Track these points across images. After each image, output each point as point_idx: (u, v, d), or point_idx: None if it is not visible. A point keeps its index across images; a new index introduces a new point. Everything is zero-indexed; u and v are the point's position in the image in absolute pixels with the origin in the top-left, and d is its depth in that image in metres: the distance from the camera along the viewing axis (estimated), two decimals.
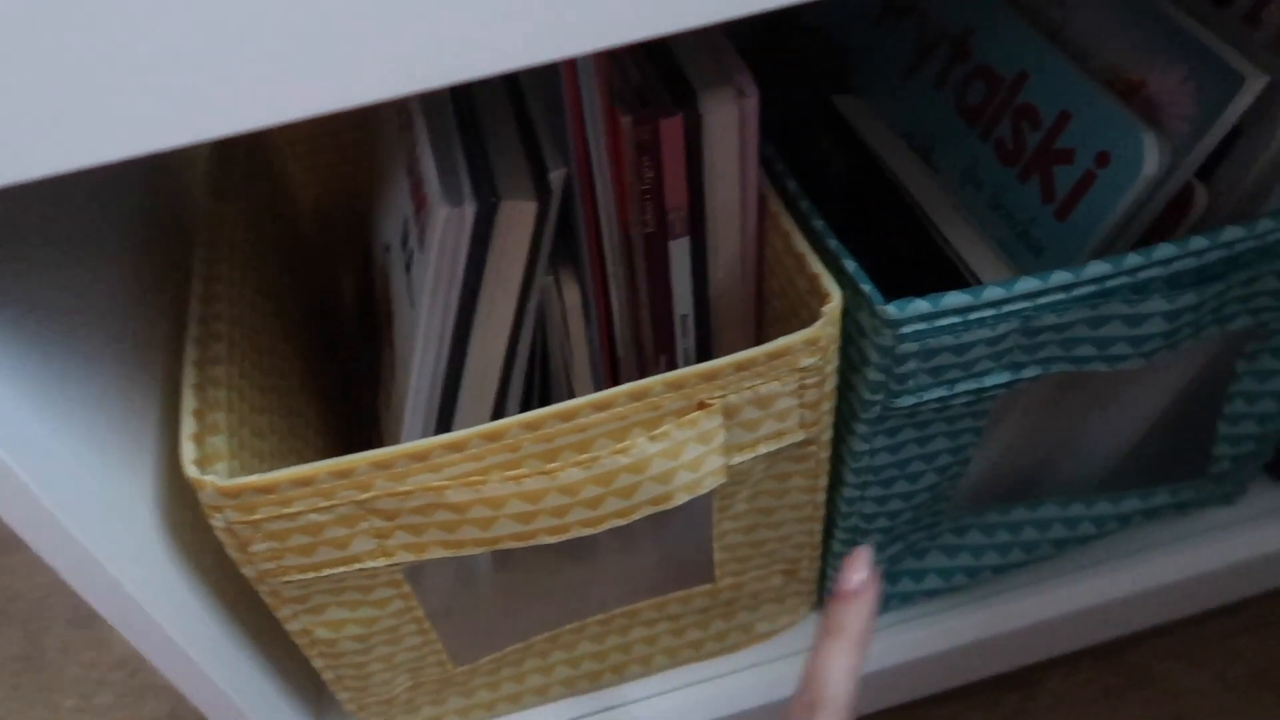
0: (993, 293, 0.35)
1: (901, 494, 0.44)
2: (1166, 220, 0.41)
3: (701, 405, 0.36)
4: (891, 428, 0.40)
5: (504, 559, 0.47)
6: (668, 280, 0.41)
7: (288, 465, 0.36)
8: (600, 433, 0.35)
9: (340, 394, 0.57)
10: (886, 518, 0.45)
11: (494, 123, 0.39)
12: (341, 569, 0.37)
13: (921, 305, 0.35)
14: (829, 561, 0.47)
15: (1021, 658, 0.53)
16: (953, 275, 0.43)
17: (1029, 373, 0.39)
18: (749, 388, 0.36)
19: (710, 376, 0.35)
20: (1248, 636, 0.55)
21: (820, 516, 0.45)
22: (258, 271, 0.47)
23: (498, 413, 0.43)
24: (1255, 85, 0.37)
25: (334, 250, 0.67)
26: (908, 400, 0.38)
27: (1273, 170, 0.39)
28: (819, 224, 0.39)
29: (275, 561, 0.36)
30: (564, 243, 0.41)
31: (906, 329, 0.36)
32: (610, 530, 0.46)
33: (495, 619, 0.46)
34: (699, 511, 0.43)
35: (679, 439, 0.35)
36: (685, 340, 0.44)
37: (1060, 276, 0.35)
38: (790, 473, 0.42)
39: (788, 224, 0.39)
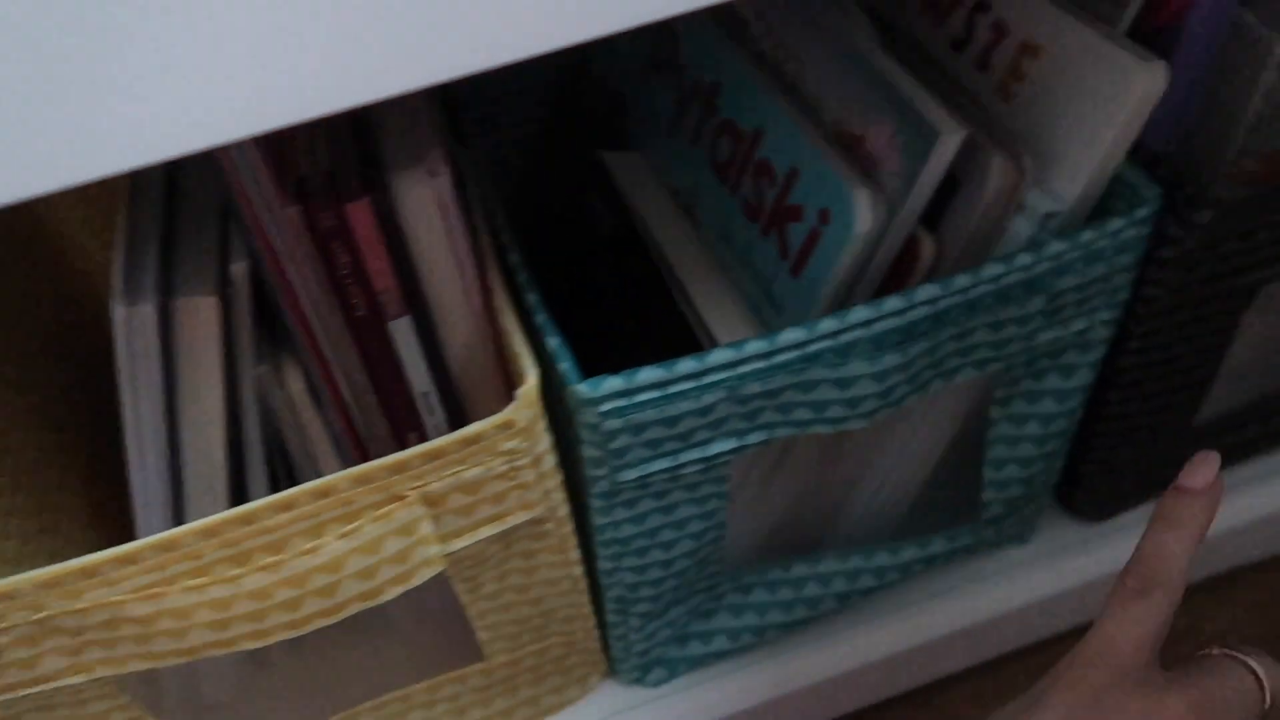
0: (687, 366, 0.35)
1: (659, 562, 0.43)
2: (898, 272, 0.41)
3: (398, 498, 0.35)
4: (628, 500, 0.40)
5: (254, 656, 0.45)
6: (396, 361, 0.40)
7: (37, 565, 0.34)
8: (293, 532, 0.34)
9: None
10: (650, 586, 0.44)
11: (195, 212, 0.38)
12: (38, 688, 0.35)
13: (616, 383, 0.34)
14: (608, 630, 0.46)
15: (823, 712, 0.52)
16: (695, 341, 0.42)
17: (754, 438, 0.38)
18: (450, 475, 0.35)
19: (399, 469, 0.34)
20: None
21: (583, 589, 0.44)
22: (12, 366, 0.45)
23: (238, 502, 0.42)
24: (951, 140, 0.36)
25: None
26: (631, 474, 0.38)
27: (994, 218, 0.39)
28: (533, 298, 0.38)
29: None
30: (283, 329, 0.40)
31: (605, 406, 0.35)
32: (358, 620, 0.45)
33: (256, 716, 0.44)
34: (444, 595, 0.42)
35: (374, 534, 0.34)
36: (433, 417, 0.43)
37: (755, 345, 0.35)
38: (535, 550, 0.41)
39: (501, 300, 0.38)
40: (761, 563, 0.48)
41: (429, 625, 0.44)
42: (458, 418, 0.44)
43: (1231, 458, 0.52)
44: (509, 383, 0.44)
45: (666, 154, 0.50)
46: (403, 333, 0.40)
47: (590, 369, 0.41)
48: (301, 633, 0.35)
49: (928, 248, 0.40)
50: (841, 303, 0.41)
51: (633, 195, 0.49)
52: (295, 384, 0.40)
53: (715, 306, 0.43)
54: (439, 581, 0.41)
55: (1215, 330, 0.43)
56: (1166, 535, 0.31)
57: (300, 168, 0.37)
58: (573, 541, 0.41)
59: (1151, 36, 0.40)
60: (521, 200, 0.62)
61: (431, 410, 0.43)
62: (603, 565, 0.42)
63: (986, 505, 0.47)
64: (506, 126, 0.62)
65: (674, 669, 0.49)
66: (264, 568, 0.33)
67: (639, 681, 0.49)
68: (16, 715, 0.36)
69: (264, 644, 0.35)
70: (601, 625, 0.47)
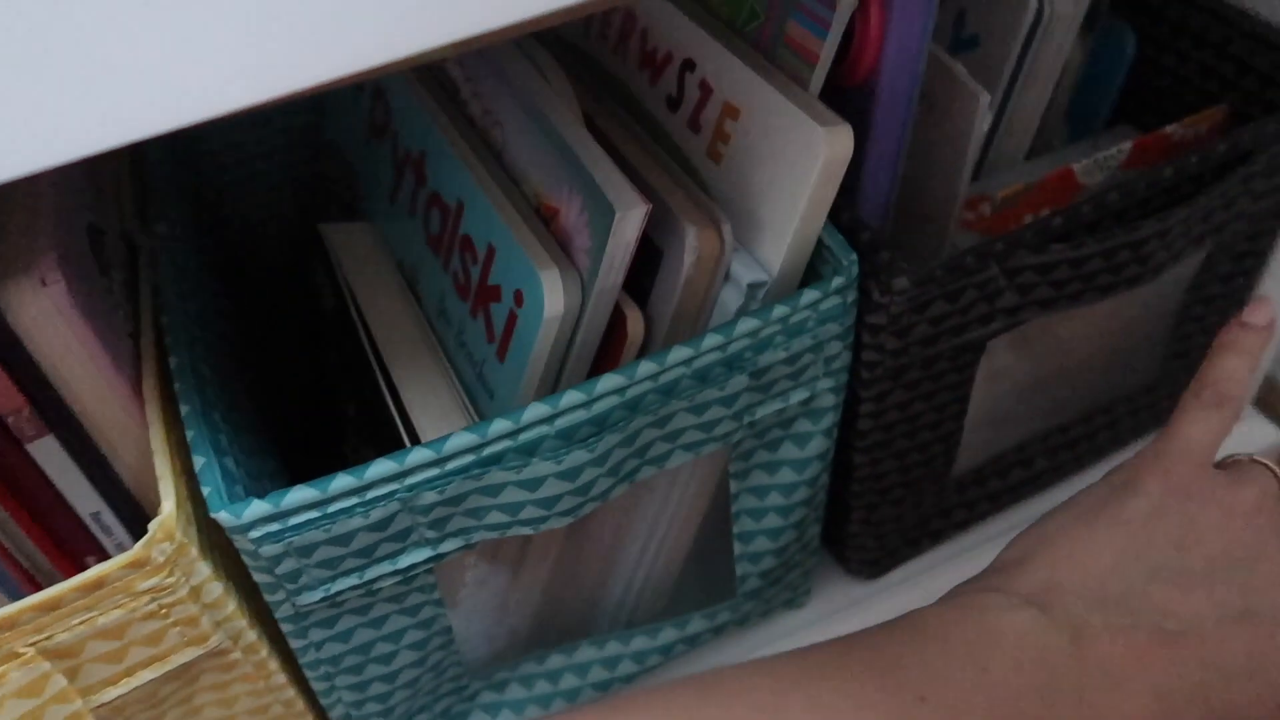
0: (342, 483, 0.31)
1: (382, 677, 0.39)
2: (609, 349, 0.38)
3: (15, 655, 0.30)
4: (325, 619, 0.36)
5: None
6: (47, 483, 0.36)
7: None
8: None
9: None
10: (378, 701, 0.40)
11: None
12: None
13: (263, 507, 0.31)
14: None
15: None
16: (396, 437, 0.39)
17: (450, 545, 0.35)
18: (80, 623, 0.31)
19: (8, 625, 0.30)
20: None
21: (302, 711, 0.40)
22: None
23: None
24: (629, 216, 0.34)
25: None
26: (313, 595, 0.34)
27: (699, 290, 0.37)
28: (186, 409, 0.34)
29: None
30: None
31: (255, 533, 0.31)
32: None
33: None
34: None
35: None
36: (112, 537, 0.39)
37: (420, 454, 0.32)
38: (227, 681, 0.37)
39: (152, 413, 0.34)
40: (516, 658, 0.45)
41: None
42: (143, 530, 0.40)
43: (997, 503, 0.51)
44: None
45: (391, 225, 0.47)
46: (49, 453, 0.35)
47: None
48: None
49: (636, 323, 0.37)
50: (553, 386, 0.38)
51: (350, 270, 0.45)
52: None
53: (422, 395, 0.40)
54: None
55: (951, 385, 0.42)
56: (1233, 359, 0.37)
57: None
58: (272, 666, 0.37)
59: (846, 95, 0.39)
60: (271, 272, 0.58)
61: (108, 530, 0.38)
62: (317, 686, 0.38)
63: (742, 579, 0.45)
64: (261, 190, 0.58)
65: None
66: None
67: None
68: None
69: None
70: None
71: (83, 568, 0.39)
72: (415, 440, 0.38)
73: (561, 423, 0.33)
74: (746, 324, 0.34)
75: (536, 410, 0.33)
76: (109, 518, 0.38)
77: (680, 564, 0.46)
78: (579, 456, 0.33)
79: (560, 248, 0.37)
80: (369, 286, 0.44)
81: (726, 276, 0.38)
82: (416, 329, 0.43)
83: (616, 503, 0.40)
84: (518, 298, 0.37)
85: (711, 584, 0.46)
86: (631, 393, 0.34)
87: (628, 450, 0.35)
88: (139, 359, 0.36)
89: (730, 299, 0.37)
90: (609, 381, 0.33)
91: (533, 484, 0.33)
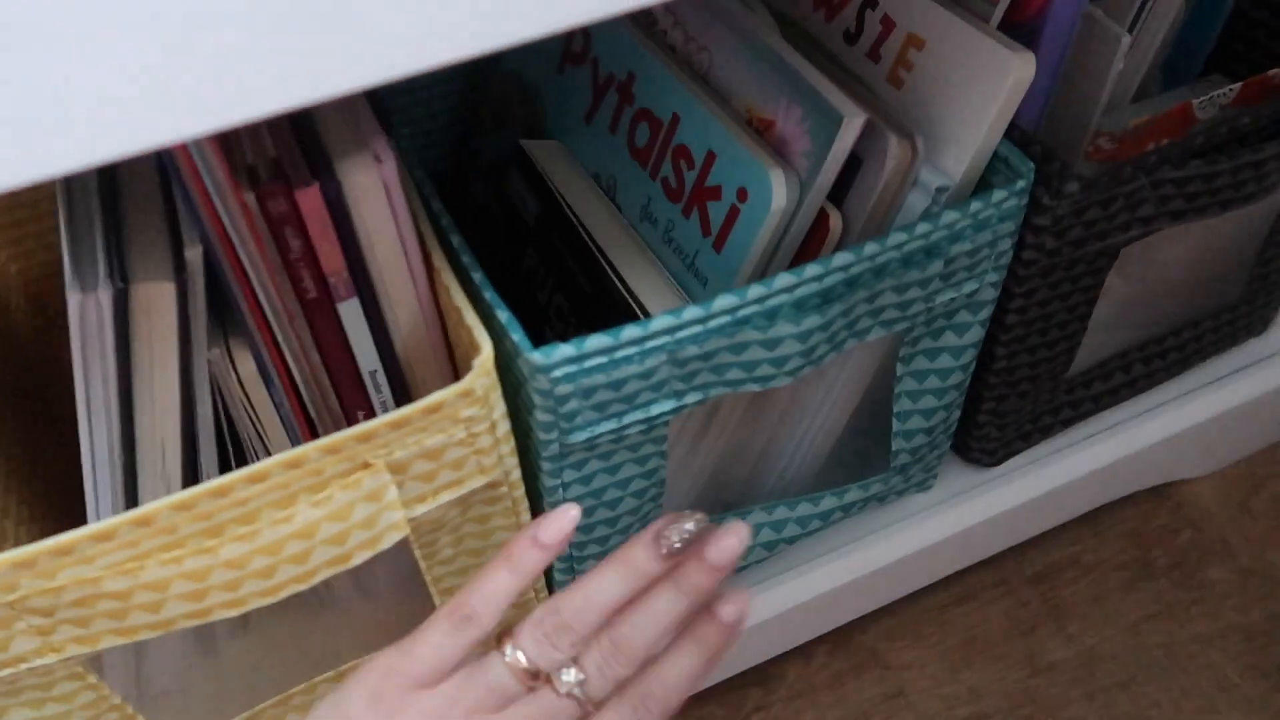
0: (631, 332, 0.38)
1: (605, 520, 0.46)
2: (810, 244, 0.45)
3: (365, 465, 0.37)
4: (576, 461, 0.42)
5: (225, 627, 0.46)
6: (345, 341, 0.42)
7: None
8: (265, 503, 0.36)
9: (69, 483, 0.55)
10: (596, 544, 0.47)
11: (137, 201, 0.39)
12: (8, 671, 0.36)
13: (567, 350, 0.37)
14: (555, 592, 0.49)
15: (758, 654, 0.56)
16: (629, 310, 0.45)
17: (691, 398, 0.42)
18: (413, 443, 0.37)
19: (366, 438, 0.36)
20: (957, 609, 0.60)
21: None
22: None
23: (190, 485, 0.42)
24: (855, 123, 0.41)
25: (56, 331, 0.64)
26: (580, 435, 0.41)
27: (892, 194, 0.44)
28: (478, 276, 0.41)
29: None
30: (231, 312, 0.41)
31: (557, 372, 0.38)
32: (319, 590, 0.46)
33: (222, 687, 0.45)
34: (404, 561, 0.44)
35: (344, 501, 0.36)
36: (380, 395, 0.45)
37: (693, 311, 0.38)
38: (488, 514, 0.43)
39: (448, 279, 0.41)
40: None
41: (397, 588, 0.46)
42: (402, 395, 0.46)
43: (1099, 404, 0.58)
44: (451, 360, 0.46)
45: (584, 142, 0.53)
46: (351, 314, 0.41)
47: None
48: (276, 599, 0.37)
49: (836, 221, 0.44)
50: (761, 274, 0.45)
51: (557, 180, 0.51)
52: (245, 367, 0.41)
53: (644, 281, 0.46)
54: (401, 548, 0.43)
55: (1084, 288, 0.49)
56: (504, 579, 0.33)
57: (248, 158, 0.38)
58: (524, 504, 0.43)
59: (1016, 29, 0.46)
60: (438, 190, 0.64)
61: (378, 388, 0.45)
62: None
63: (895, 455, 0.51)
64: (420, 119, 0.64)
65: None
66: (240, 537, 0.35)
67: None
68: None
69: (239, 612, 0.36)
70: (549, 588, 0.49)
71: (354, 420, 0.45)
72: (643, 314, 0.45)
73: (800, 291, 0.40)
74: (948, 216, 0.41)
75: (783, 279, 0.39)
76: (381, 378, 0.44)
77: (833, 442, 0.52)
78: (813, 320, 0.40)
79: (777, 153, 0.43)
80: (578, 193, 0.51)
81: (914, 182, 0.44)
82: (624, 228, 0.49)
83: (788, 384, 0.47)
84: (740, 195, 0.43)
85: (865, 459, 0.53)
86: (855, 270, 0.40)
87: (844, 320, 0.42)
88: (424, 235, 0.42)
89: (916, 202, 0.44)
90: (840, 258, 0.40)
91: (772, 344, 0.40)
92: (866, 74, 0.48)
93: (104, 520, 0.34)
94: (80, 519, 0.53)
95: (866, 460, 0.53)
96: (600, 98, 0.51)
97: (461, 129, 0.64)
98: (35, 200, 0.60)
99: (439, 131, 0.64)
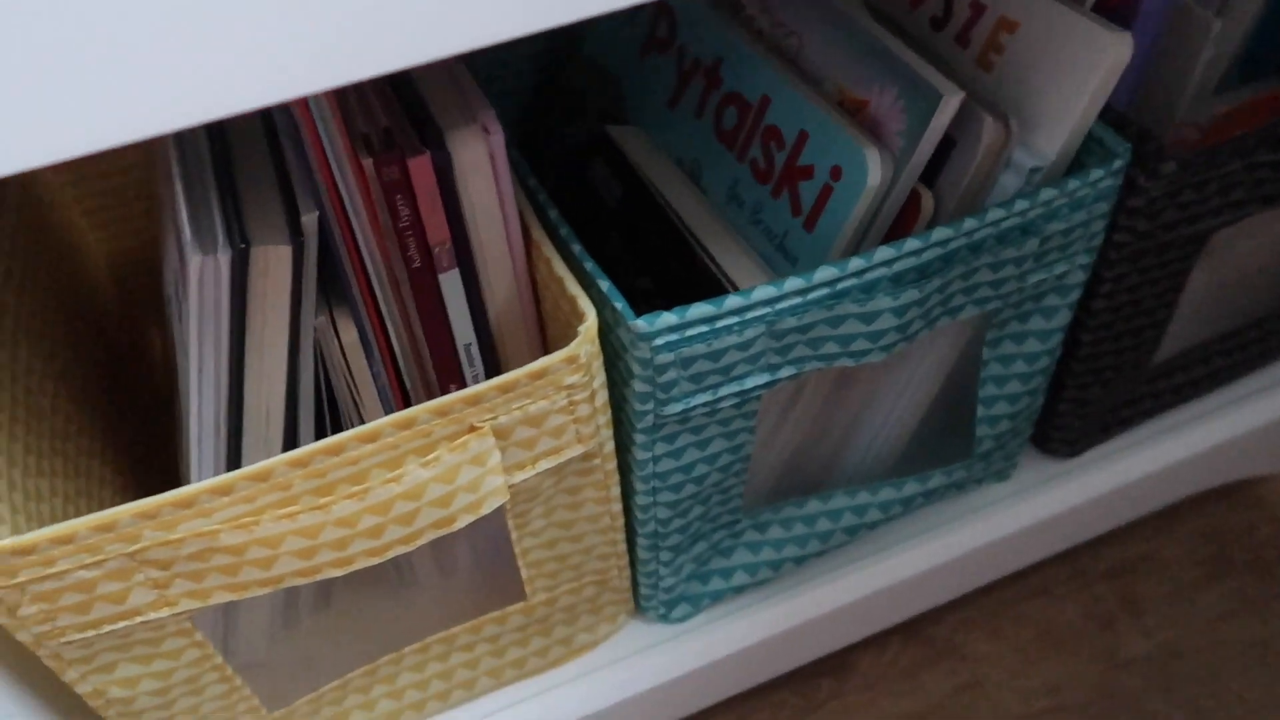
0: (733, 301, 0.38)
1: (691, 495, 0.46)
2: (901, 224, 0.45)
3: (472, 429, 0.37)
4: (669, 434, 0.43)
5: (326, 591, 0.47)
6: (444, 312, 0.43)
7: None
8: (374, 463, 0.36)
9: (150, 456, 0.56)
10: (681, 519, 0.47)
11: (249, 168, 0.40)
12: (123, 624, 0.36)
13: (670, 318, 0.38)
14: (637, 568, 0.50)
15: (832, 642, 0.56)
16: (719, 289, 0.46)
17: (785, 372, 0.42)
18: (518, 408, 0.38)
19: (475, 400, 0.36)
20: (1032, 602, 0.60)
21: (619, 526, 0.47)
22: (32, 332, 0.46)
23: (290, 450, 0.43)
24: (953, 101, 0.41)
25: (137, 310, 0.66)
26: (676, 407, 0.41)
27: (984, 174, 0.44)
28: (578, 249, 0.41)
29: (49, 623, 0.35)
30: (335, 282, 0.42)
31: (659, 341, 0.38)
32: (412, 559, 0.47)
33: (313, 655, 0.46)
34: (498, 531, 0.45)
35: (451, 463, 0.37)
36: (473, 368, 0.45)
37: (794, 282, 0.39)
38: (580, 486, 0.44)
39: (549, 251, 0.41)
40: (774, 502, 0.51)
41: (475, 565, 0.46)
42: (492, 371, 0.46)
43: (1180, 396, 0.57)
44: (541, 337, 0.47)
45: (667, 128, 0.53)
46: (452, 285, 0.42)
47: None
48: (381, 560, 0.37)
49: (928, 201, 0.44)
50: (851, 254, 0.45)
51: (642, 164, 0.52)
52: (348, 335, 0.42)
53: (733, 259, 0.46)
54: (488, 522, 0.44)
55: (1172, 274, 0.49)
56: None
57: (362, 127, 0.39)
58: (615, 477, 0.44)
59: (1109, 13, 0.46)
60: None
61: (471, 362, 0.45)
62: (640, 500, 0.45)
63: (979, 441, 0.51)
64: (494, 105, 0.65)
65: (697, 604, 0.52)
66: (351, 495, 0.35)
67: (664, 618, 0.52)
68: (93, 653, 0.38)
69: (345, 571, 0.37)
70: (631, 564, 0.50)
71: (445, 392, 0.46)
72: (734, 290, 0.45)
73: (898, 265, 0.40)
74: (1046, 193, 0.41)
75: (883, 253, 0.39)
76: (475, 352, 0.45)
77: (912, 428, 0.52)
78: (910, 295, 0.40)
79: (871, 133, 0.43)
80: (663, 177, 0.51)
81: (1008, 163, 0.44)
82: (711, 210, 0.50)
83: (872, 365, 0.47)
84: (834, 173, 0.43)
85: (942, 447, 0.52)
86: (952, 245, 0.40)
87: (940, 296, 0.42)
88: (523, 209, 0.43)
89: (1009, 183, 0.44)
90: (939, 233, 0.40)
91: (869, 317, 0.40)
92: (954, 58, 0.48)
93: (221, 476, 0.34)
94: (165, 486, 0.54)
95: (944, 448, 0.53)
96: (686, 83, 0.52)
97: (535, 119, 0.65)
98: (123, 185, 0.62)
99: (510, 125, 0.65)
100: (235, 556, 0.35)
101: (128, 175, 0.61)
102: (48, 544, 0.33)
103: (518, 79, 0.64)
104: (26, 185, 0.53)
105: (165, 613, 0.37)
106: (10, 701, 0.39)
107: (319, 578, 0.37)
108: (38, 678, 0.42)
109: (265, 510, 0.35)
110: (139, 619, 0.36)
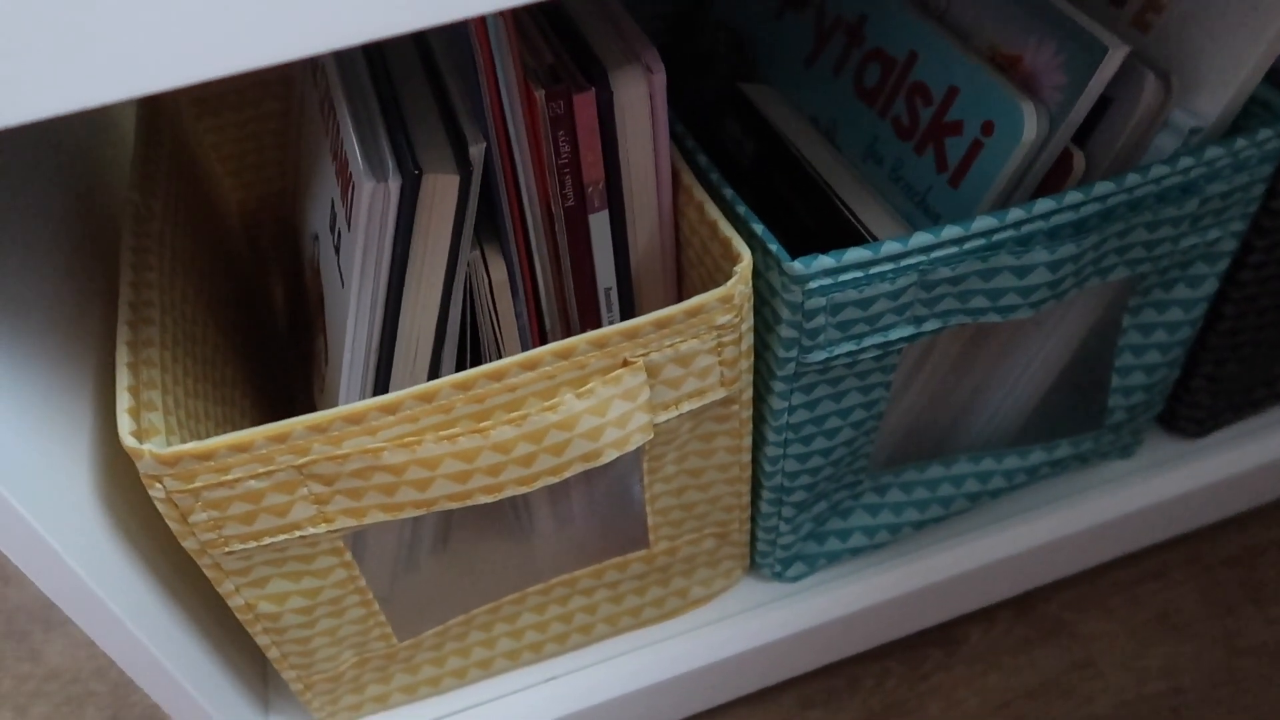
0: (890, 247, 0.38)
1: (821, 450, 0.46)
2: (1049, 184, 0.44)
3: (625, 363, 0.38)
4: (807, 384, 0.43)
5: (444, 534, 0.48)
6: (590, 254, 0.43)
7: None
8: (530, 392, 0.37)
9: (275, 391, 0.58)
10: (808, 474, 0.47)
11: (413, 101, 0.41)
12: (283, 537, 0.38)
13: (826, 261, 0.38)
14: (757, 524, 0.50)
15: (943, 612, 0.55)
16: (859, 241, 0.45)
17: (930, 326, 0.42)
18: (669, 346, 0.38)
19: (632, 335, 0.37)
20: (1148, 584, 0.59)
21: (747, 478, 0.47)
22: (186, 266, 0.48)
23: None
24: (1118, 55, 0.40)
25: (262, 255, 0.67)
26: (819, 355, 0.41)
27: (1140, 134, 0.43)
28: (729, 193, 0.41)
29: (216, 531, 0.37)
30: (487, 219, 0.43)
31: (813, 284, 0.38)
32: (547, 497, 0.48)
33: (438, 592, 0.47)
34: (630, 474, 0.45)
35: (605, 396, 0.37)
36: (610, 313, 0.46)
37: (951, 230, 0.38)
38: (715, 433, 0.44)
39: (700, 195, 0.41)
40: (895, 465, 0.51)
41: (604, 508, 0.47)
42: (628, 317, 0.47)
43: None
44: (677, 286, 0.47)
45: (801, 86, 0.53)
46: (600, 227, 0.43)
47: None
48: (529, 489, 0.38)
49: (1079, 161, 0.43)
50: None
51: (776, 120, 0.52)
52: (498, 273, 0.43)
53: (875, 214, 0.46)
54: (626, 462, 0.44)
55: None
56: None
57: (528, 61, 0.40)
58: (749, 427, 0.44)
59: None
60: None
61: (610, 307, 0.46)
62: (770, 451, 0.45)
63: (1110, 412, 0.50)
64: None
65: (812, 564, 0.52)
66: (509, 421, 0.36)
67: (779, 576, 0.52)
68: (250, 566, 0.39)
69: (496, 498, 0.38)
70: (752, 518, 0.50)
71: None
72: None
73: (1056, 220, 0.39)
74: (1211, 151, 0.40)
75: (1043, 205, 0.39)
76: (614, 296, 0.46)
77: (1040, 395, 0.52)
78: (1067, 249, 0.39)
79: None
80: (799, 133, 0.51)
81: (1165, 124, 0.43)
82: (847, 166, 0.49)
83: (1007, 327, 0.47)
84: (986, 129, 0.43)
85: (1074, 416, 0.52)
86: (1112, 201, 0.40)
87: (1094, 254, 0.41)
88: (673, 154, 0.43)
89: (1167, 144, 0.43)
90: (1101, 188, 0.39)
91: (1022, 271, 0.40)
92: (1110, 17, 0.47)
93: (388, 394, 0.35)
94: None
95: (1071, 419, 0.52)
96: (825, 41, 0.52)
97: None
98: (259, 133, 0.64)
99: None
100: (394, 476, 0.36)
101: (264, 124, 0.63)
102: (226, 450, 0.34)
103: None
104: (176, 128, 0.55)
105: (323, 528, 0.38)
106: (165, 616, 0.41)
107: (470, 503, 0.38)
108: (189, 595, 0.44)
109: (427, 431, 0.36)
110: (297, 533, 0.37)
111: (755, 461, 0.47)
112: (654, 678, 0.50)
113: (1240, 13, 0.41)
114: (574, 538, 0.50)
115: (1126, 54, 0.41)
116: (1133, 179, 0.39)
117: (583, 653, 0.51)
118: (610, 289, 0.45)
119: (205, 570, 0.38)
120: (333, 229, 0.43)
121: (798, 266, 0.38)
